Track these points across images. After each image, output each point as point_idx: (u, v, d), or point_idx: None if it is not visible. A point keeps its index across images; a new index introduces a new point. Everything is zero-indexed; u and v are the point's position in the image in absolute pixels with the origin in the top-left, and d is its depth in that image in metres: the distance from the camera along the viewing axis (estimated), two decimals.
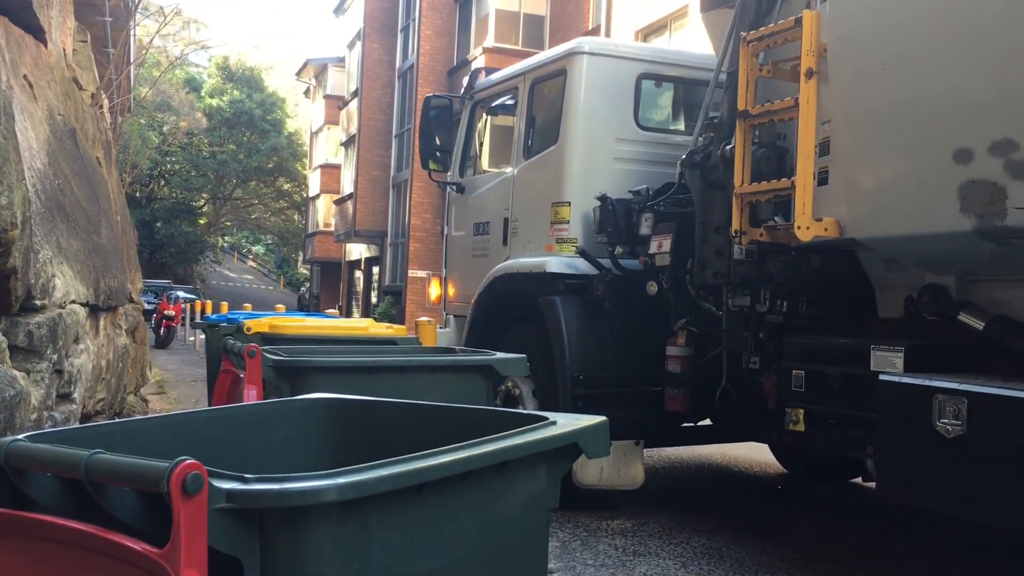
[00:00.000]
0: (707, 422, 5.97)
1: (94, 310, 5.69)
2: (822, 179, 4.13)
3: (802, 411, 4.46)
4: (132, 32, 11.88)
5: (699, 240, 4.99)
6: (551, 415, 2.25)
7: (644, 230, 5.50)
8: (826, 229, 4.07)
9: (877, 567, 4.82)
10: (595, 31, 18.56)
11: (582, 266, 5.82)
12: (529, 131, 6.59)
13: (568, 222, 5.99)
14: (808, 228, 4.06)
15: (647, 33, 16.52)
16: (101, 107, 9.20)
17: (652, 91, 6.51)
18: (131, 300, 8.87)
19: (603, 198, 5.69)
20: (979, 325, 3.85)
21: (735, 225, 4.53)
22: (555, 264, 5.89)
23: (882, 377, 3.78)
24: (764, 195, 4.43)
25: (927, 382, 3.54)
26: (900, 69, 3.73)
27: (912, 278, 4.24)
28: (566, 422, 2.20)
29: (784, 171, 4.53)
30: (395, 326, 6.17)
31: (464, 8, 25.06)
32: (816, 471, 6.91)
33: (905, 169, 3.78)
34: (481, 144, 7.44)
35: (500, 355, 4.18)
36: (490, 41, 22.40)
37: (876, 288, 4.59)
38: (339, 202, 33.24)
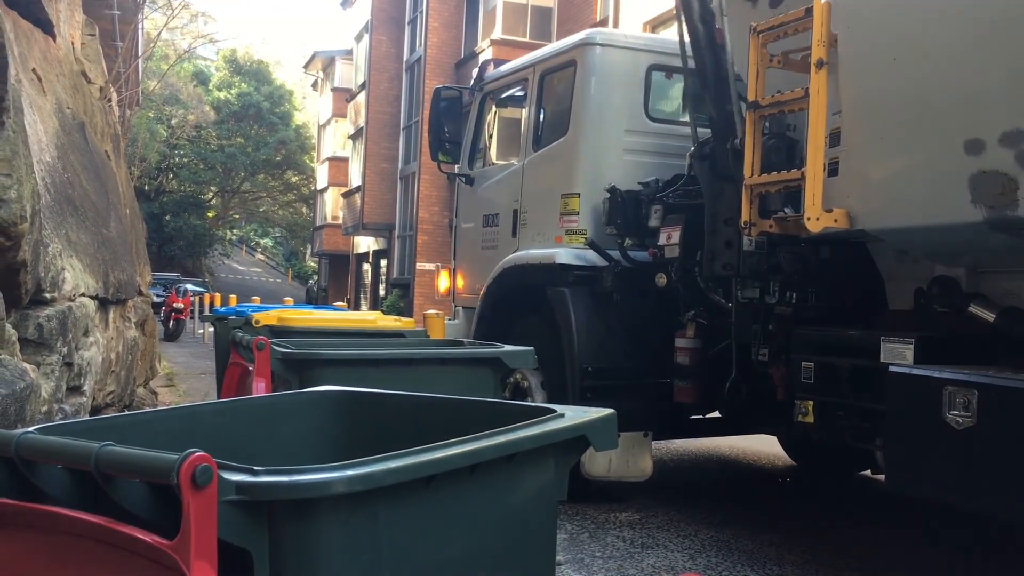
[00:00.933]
0: (716, 414, 5.97)
1: (103, 303, 5.70)
2: (832, 170, 4.11)
3: (811, 403, 4.44)
4: (140, 25, 11.90)
5: (708, 232, 4.97)
6: (559, 407, 2.25)
7: (653, 222, 5.50)
8: (836, 220, 4.05)
9: (885, 560, 4.82)
10: (603, 23, 18.49)
11: (591, 258, 5.81)
12: (538, 123, 6.58)
13: (577, 214, 5.98)
14: (818, 219, 4.04)
15: (655, 25, 16.44)
16: (109, 100, 9.21)
17: (662, 83, 6.48)
18: (140, 293, 8.89)
19: (612, 190, 5.69)
20: (989, 317, 3.83)
21: (745, 216, 4.51)
22: (564, 256, 5.88)
23: (892, 369, 3.77)
24: (774, 186, 4.41)
25: (937, 374, 3.53)
26: (911, 59, 3.70)
27: (922, 270, 4.22)
28: (574, 414, 2.20)
29: (794, 162, 4.51)
30: (403, 319, 6.18)
31: (472, 0, 25.00)
32: (825, 463, 6.89)
33: (916, 160, 3.75)
34: (490, 136, 7.43)
35: (508, 347, 4.18)
36: (498, 33, 22.36)
37: (886, 280, 4.57)
38: (347, 195, 33.26)
